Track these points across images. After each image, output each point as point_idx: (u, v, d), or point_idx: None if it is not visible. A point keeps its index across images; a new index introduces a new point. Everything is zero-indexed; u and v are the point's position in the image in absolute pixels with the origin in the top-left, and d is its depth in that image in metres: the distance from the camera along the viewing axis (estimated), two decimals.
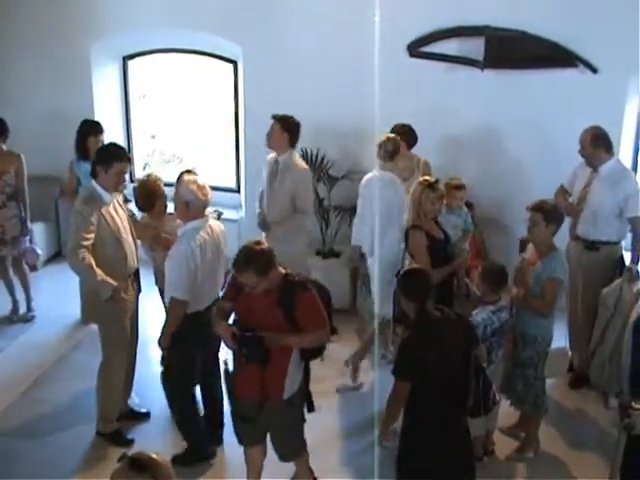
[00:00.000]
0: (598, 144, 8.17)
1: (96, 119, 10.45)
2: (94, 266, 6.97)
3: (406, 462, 6.14)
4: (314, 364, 6.46)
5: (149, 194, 7.89)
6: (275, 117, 8.73)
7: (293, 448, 6.46)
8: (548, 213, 7.04)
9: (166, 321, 6.98)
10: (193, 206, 6.81)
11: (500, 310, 7.02)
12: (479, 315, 6.97)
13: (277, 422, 6.24)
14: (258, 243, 5.85)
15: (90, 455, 7.50)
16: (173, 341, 6.93)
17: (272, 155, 8.95)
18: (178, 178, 6.96)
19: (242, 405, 6.18)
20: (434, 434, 5.95)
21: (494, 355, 7.03)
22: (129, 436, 7.71)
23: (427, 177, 8.05)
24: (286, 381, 6.06)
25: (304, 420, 6.45)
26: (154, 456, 3.77)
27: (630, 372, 6.30)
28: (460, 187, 8.61)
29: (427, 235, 7.70)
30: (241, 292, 6.01)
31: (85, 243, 6.97)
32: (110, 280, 7.03)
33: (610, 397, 8.04)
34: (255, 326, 5.85)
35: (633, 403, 5.62)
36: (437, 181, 7.84)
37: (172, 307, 6.86)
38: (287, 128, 8.71)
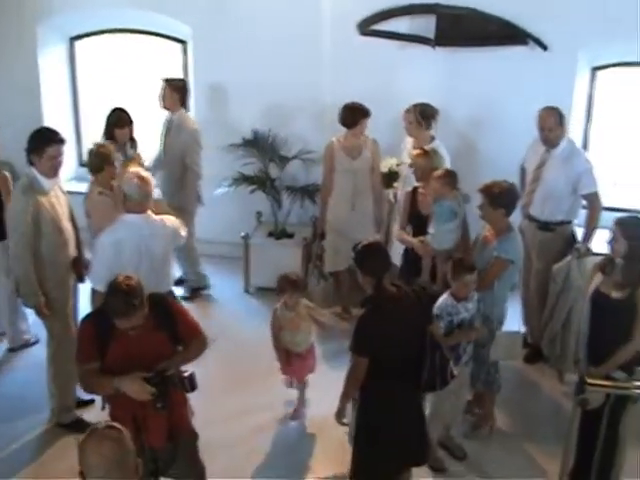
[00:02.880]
0: (562, 122, 8.21)
1: (45, 100, 10.35)
2: (32, 272, 6.95)
3: (361, 439, 6.10)
4: None
5: (101, 158, 7.76)
6: (165, 80, 9.66)
7: (201, 468, 6.06)
8: (494, 197, 7.00)
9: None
10: (131, 199, 6.69)
11: (468, 301, 6.90)
12: (444, 303, 6.88)
13: (187, 453, 5.85)
14: (128, 279, 5.25)
15: (45, 445, 7.37)
16: None
17: (167, 115, 9.78)
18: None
19: (153, 455, 5.48)
20: (389, 410, 5.92)
21: (461, 350, 6.87)
22: None
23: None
24: (188, 408, 5.81)
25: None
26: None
27: (587, 341, 6.31)
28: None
29: (413, 203, 7.93)
30: (108, 345, 5.32)
31: (22, 244, 6.91)
32: (39, 294, 7.02)
33: (564, 372, 8.10)
34: (144, 369, 5.25)
35: (588, 379, 5.65)
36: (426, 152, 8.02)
37: (94, 299, 6.75)
38: (176, 89, 9.65)
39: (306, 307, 7.67)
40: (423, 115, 8.79)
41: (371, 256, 5.96)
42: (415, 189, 8.04)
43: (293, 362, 7.57)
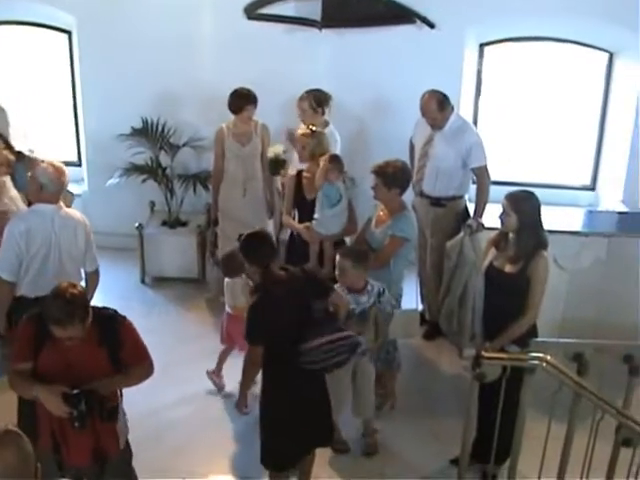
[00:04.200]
0: (443, 107, 8.24)
1: None
2: None
3: (265, 426, 6.08)
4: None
5: None
6: None
7: None
8: (388, 178, 7.06)
9: None
10: (46, 190, 6.54)
11: (361, 294, 6.89)
12: (366, 304, 6.88)
13: (118, 472, 5.59)
14: (73, 287, 5.01)
15: None
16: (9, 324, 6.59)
17: None
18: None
19: (77, 472, 5.39)
20: (288, 395, 5.89)
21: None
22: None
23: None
24: (118, 429, 5.45)
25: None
26: None
27: (483, 316, 6.38)
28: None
29: (297, 187, 7.86)
30: (43, 347, 5.10)
31: None
32: None
33: (463, 347, 8.19)
34: (75, 381, 4.99)
35: (484, 352, 5.71)
36: (315, 130, 7.90)
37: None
38: None
39: None
40: (317, 101, 8.80)
41: (256, 245, 5.92)
42: (300, 172, 7.97)
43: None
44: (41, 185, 6.54)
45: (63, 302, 4.89)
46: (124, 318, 5.34)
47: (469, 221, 8.07)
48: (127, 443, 5.61)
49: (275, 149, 8.87)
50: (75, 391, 4.92)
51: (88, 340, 5.06)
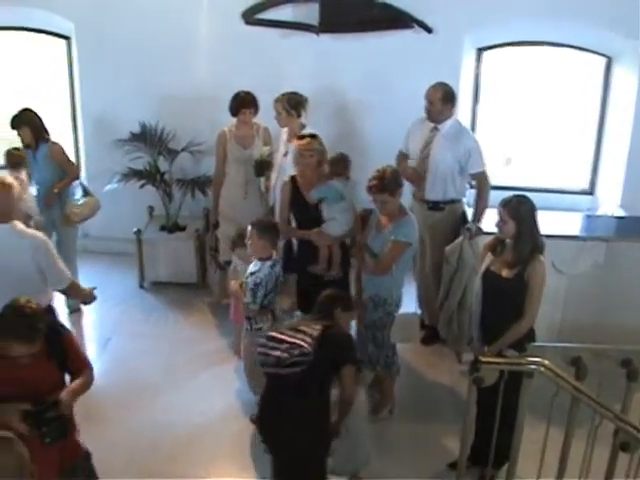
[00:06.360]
0: (447, 100, 8.21)
1: None
2: None
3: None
4: None
5: None
6: None
7: None
8: (391, 185, 6.96)
9: None
10: None
11: (275, 264, 7.13)
12: (261, 272, 7.02)
13: (84, 473, 5.53)
14: (29, 302, 4.90)
15: None
16: None
17: None
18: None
19: None
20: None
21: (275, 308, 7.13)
22: None
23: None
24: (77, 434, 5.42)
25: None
26: None
27: (480, 320, 6.38)
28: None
29: (295, 193, 7.75)
30: None
31: None
32: None
33: (462, 352, 8.20)
34: (25, 397, 4.85)
35: (481, 357, 5.70)
36: (313, 135, 7.78)
37: None
38: None
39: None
40: (291, 104, 8.78)
41: None
42: (293, 177, 7.84)
43: None
44: None
45: (27, 318, 4.81)
46: (63, 327, 5.31)
47: (468, 225, 8.07)
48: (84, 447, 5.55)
49: (260, 150, 8.87)
50: (37, 407, 4.85)
51: (38, 354, 4.95)
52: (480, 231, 7.99)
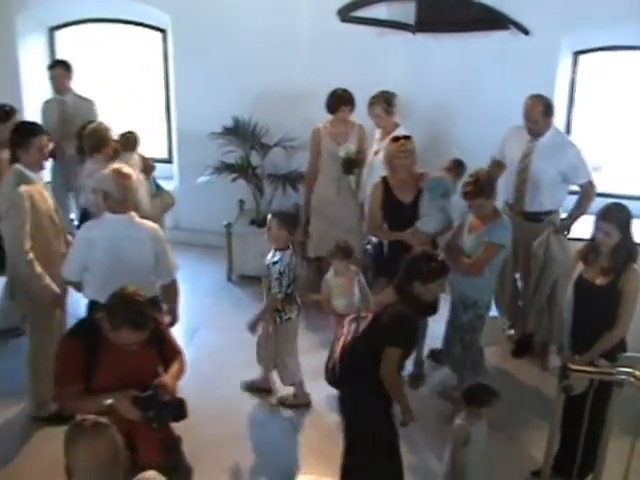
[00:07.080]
0: (548, 114, 8.06)
1: (25, 92, 10.34)
2: (41, 271, 6.74)
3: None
4: None
5: (99, 139, 8.13)
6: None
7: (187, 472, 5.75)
8: (486, 189, 6.97)
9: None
10: (111, 198, 6.35)
11: (292, 254, 7.38)
12: (284, 261, 7.25)
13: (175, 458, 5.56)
14: (135, 289, 5.07)
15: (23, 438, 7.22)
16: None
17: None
18: None
19: None
20: None
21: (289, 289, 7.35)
22: None
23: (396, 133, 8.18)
24: None
25: None
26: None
27: (571, 328, 6.31)
28: None
29: (388, 193, 7.67)
30: (97, 363, 5.01)
31: (28, 245, 6.65)
32: (54, 287, 6.82)
33: (550, 354, 8.11)
34: (129, 385, 4.97)
35: (571, 365, 5.63)
36: (407, 137, 7.76)
37: (66, 289, 6.81)
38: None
39: (355, 272, 7.68)
40: (389, 103, 8.81)
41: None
42: (384, 178, 7.77)
43: None
44: (105, 193, 6.40)
45: (137, 305, 4.95)
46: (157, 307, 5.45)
47: (559, 221, 8.06)
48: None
49: (347, 148, 8.88)
50: (148, 392, 4.97)
51: (144, 342, 5.07)
52: (565, 227, 8.00)
